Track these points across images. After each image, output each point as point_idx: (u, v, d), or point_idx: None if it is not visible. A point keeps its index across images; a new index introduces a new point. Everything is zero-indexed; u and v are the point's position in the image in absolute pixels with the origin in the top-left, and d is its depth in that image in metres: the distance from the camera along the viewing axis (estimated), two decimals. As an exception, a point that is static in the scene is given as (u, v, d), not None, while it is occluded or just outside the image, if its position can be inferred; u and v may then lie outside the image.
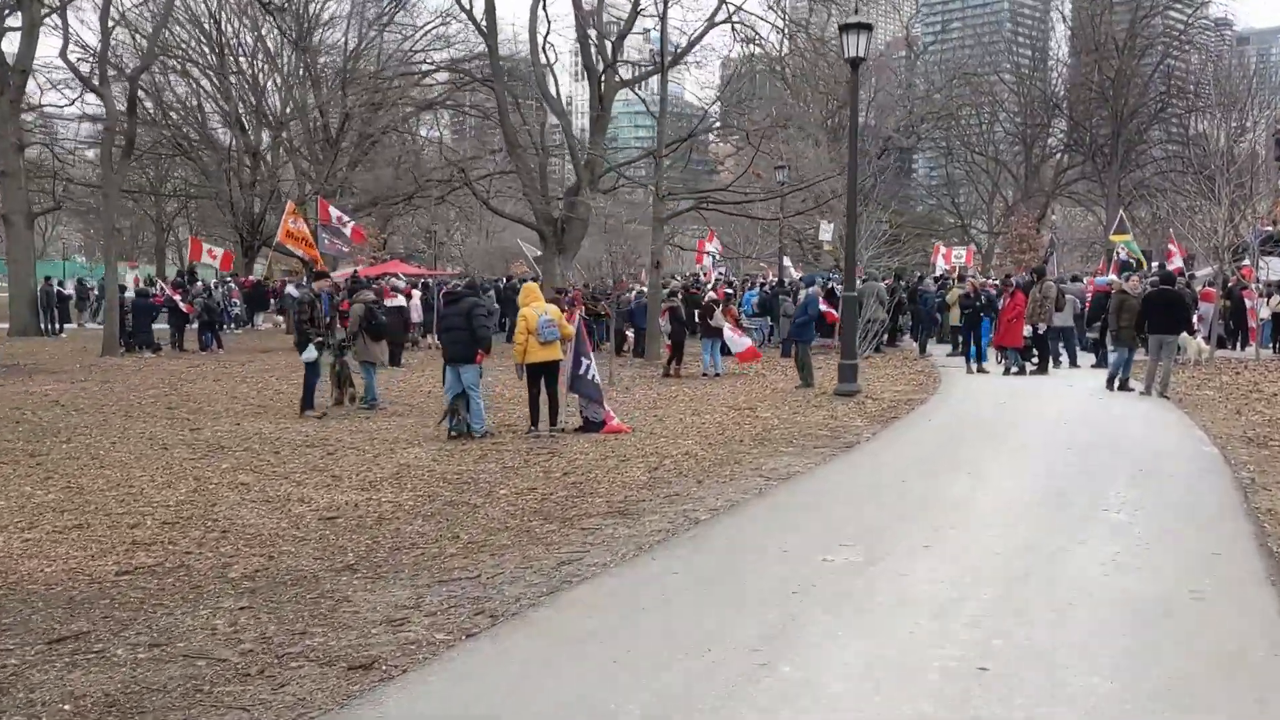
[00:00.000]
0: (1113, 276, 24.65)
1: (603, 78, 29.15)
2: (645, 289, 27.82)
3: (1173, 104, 55.58)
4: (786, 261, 35.93)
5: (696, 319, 21.72)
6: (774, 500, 9.16)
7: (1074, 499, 9.02)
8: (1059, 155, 61.03)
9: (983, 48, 64.34)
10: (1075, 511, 8.53)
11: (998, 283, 24.94)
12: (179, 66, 39.99)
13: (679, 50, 30.64)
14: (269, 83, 41.99)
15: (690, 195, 28.48)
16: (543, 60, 30.01)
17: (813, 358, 19.28)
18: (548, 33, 30.57)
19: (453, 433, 13.07)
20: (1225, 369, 21.38)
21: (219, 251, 45.47)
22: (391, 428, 14.19)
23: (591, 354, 13.99)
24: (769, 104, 59.33)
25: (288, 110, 42.95)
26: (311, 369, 15.00)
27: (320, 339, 14.96)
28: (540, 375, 13.46)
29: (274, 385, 19.48)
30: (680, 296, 23.29)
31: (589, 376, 13.69)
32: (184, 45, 39.58)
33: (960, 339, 23.04)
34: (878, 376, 20.74)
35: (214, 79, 39.85)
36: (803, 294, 20.00)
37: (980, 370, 20.90)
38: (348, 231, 33.22)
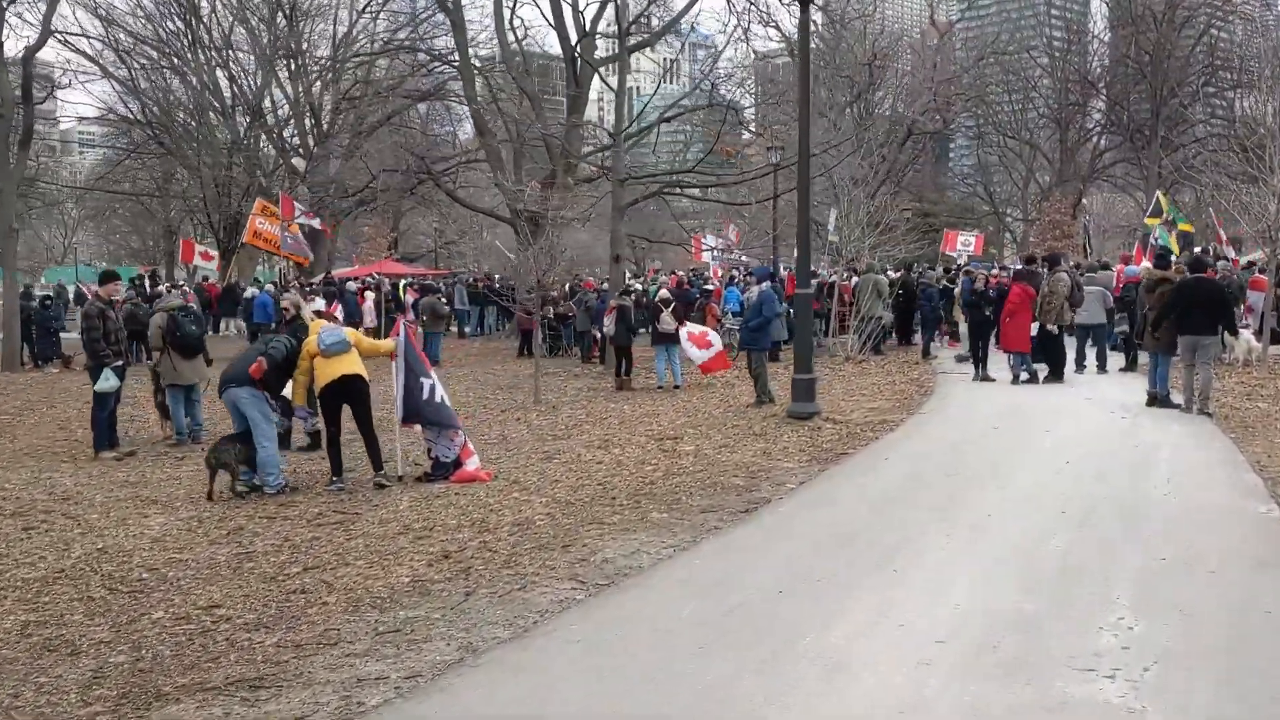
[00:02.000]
0: (1147, 264, 20.48)
1: (578, 53, 25.41)
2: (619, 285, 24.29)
3: (1217, 78, 50.56)
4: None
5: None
6: (508, 659, 5.29)
7: (1039, 650, 5.18)
8: (1096, 137, 56.15)
9: (1013, 24, 59.45)
10: (1030, 694, 4.68)
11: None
12: (153, 58, 36.85)
13: (650, 24, 26.80)
14: (251, 73, 38.71)
15: (651, 177, 24.66)
16: (510, 37, 26.35)
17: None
18: (515, 3, 26.73)
19: (239, 489, 9.51)
20: (1281, 371, 17.29)
21: (215, 253, 42.54)
22: (182, 475, 10.68)
23: (432, 371, 10.34)
24: (786, 89, 55.49)
25: (272, 100, 39.84)
26: (100, 400, 11.46)
27: (120, 362, 11.47)
28: (340, 401, 9.81)
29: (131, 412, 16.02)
30: (633, 297, 19.52)
31: (435, 399, 10.10)
32: (152, 26, 36.40)
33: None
34: (862, 387, 16.96)
35: (186, 66, 36.66)
36: (754, 291, 16.15)
37: (985, 378, 16.98)
38: (316, 224, 29.98)
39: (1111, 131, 54.19)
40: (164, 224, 53.26)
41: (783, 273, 31.21)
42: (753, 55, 43.10)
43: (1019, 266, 20.04)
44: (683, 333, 17.70)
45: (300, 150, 40.12)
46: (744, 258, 29.98)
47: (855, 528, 7.55)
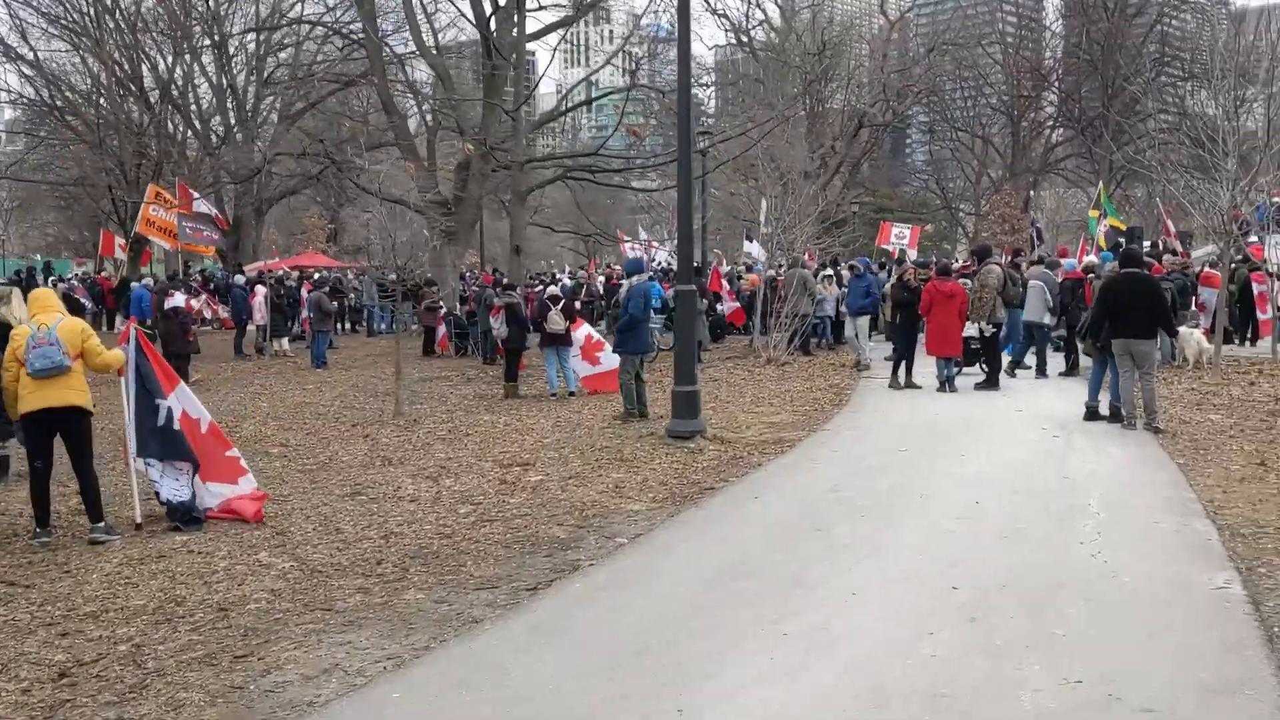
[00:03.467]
0: (1092, 259, 18.39)
1: (490, 23, 22.97)
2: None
3: (1168, 70, 48.77)
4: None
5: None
6: None
7: None
8: (1048, 130, 54.28)
9: (965, 15, 57.33)
10: None
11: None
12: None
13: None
14: (164, 52, 35.96)
15: (551, 159, 22.33)
16: (417, 6, 23.89)
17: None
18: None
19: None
20: (1234, 374, 15.28)
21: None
22: None
23: (175, 390, 7.98)
24: (749, 83, 53.32)
25: (193, 86, 37.17)
26: None
27: None
28: (48, 434, 7.47)
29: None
30: (520, 292, 17.15)
31: (171, 427, 7.77)
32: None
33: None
34: (774, 394, 14.80)
35: (92, 45, 33.89)
36: (624, 287, 13.86)
37: (910, 385, 14.84)
38: (211, 212, 27.42)
39: (1064, 124, 52.37)
40: (91, 215, 50.27)
41: (734, 266, 29.23)
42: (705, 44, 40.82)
43: (939, 261, 17.95)
44: (578, 335, 15.46)
45: (223, 137, 37.52)
46: (662, 252, 27.73)
47: (652, 632, 5.29)
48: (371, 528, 7.79)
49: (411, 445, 11.82)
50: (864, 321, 18.23)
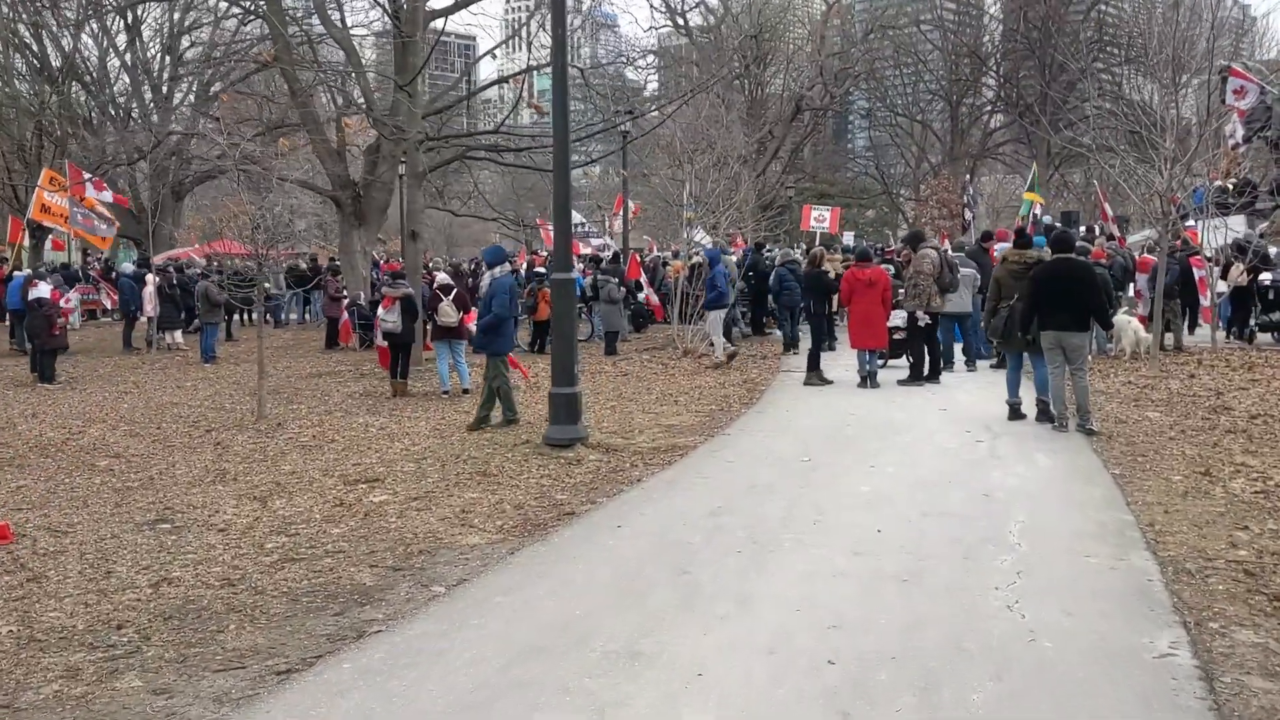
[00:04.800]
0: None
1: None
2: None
3: (1105, 54, 48.08)
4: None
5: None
6: None
7: None
8: (987, 115, 53.45)
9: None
10: None
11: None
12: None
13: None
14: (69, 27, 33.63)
15: (447, 139, 20.74)
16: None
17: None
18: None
19: None
20: (1174, 365, 14.21)
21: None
22: None
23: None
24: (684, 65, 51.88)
25: (104, 65, 34.94)
26: None
27: None
28: None
29: None
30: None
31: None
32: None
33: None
34: (683, 390, 13.49)
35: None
36: (485, 279, 12.32)
37: (822, 381, 13.55)
38: (108, 199, 25.39)
39: (1003, 109, 51.57)
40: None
41: (666, 253, 27.73)
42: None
43: (860, 245, 16.66)
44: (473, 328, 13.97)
45: (133, 115, 35.31)
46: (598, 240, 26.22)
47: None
48: (150, 570, 6.31)
49: (262, 455, 10.30)
50: (715, 316, 16.33)
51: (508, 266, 11.02)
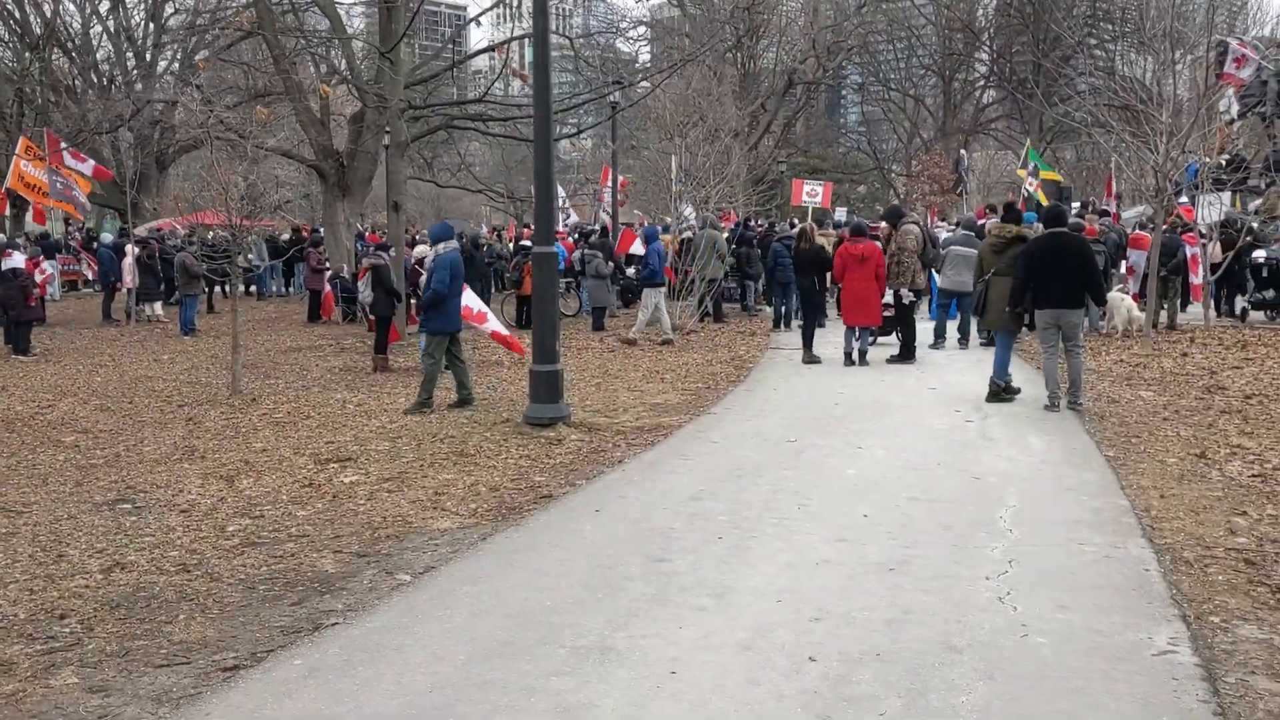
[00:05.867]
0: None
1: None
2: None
3: (1099, 29, 47.57)
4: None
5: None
6: None
7: None
8: (980, 90, 52.96)
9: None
10: None
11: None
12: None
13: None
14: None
15: (435, 109, 20.28)
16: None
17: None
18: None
19: None
20: (1166, 344, 13.97)
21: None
22: None
23: None
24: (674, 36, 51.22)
25: (86, 32, 34.25)
26: None
27: None
28: None
29: None
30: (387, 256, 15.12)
31: None
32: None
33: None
34: (671, 367, 13.19)
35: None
36: (424, 257, 11.84)
37: (811, 360, 13.27)
38: (88, 170, 24.87)
39: (995, 85, 51.09)
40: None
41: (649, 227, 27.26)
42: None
43: (854, 219, 16.32)
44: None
45: (115, 82, 34.67)
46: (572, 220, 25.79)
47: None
48: (103, 554, 6.01)
49: (234, 431, 9.99)
50: (651, 293, 16.22)
51: (454, 243, 10.59)
